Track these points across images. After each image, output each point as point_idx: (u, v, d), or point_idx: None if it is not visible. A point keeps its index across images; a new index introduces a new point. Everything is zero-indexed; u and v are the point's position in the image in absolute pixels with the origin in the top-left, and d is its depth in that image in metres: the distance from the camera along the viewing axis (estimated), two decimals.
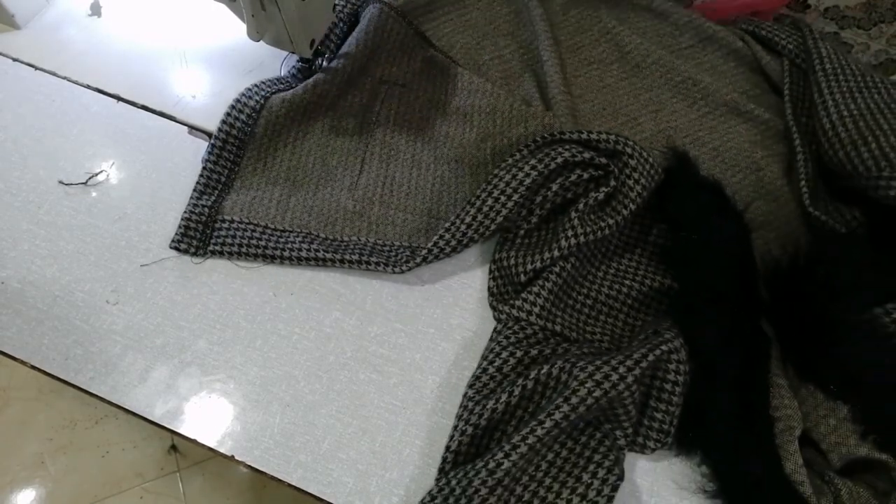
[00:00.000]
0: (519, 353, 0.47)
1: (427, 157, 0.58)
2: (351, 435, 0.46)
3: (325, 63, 0.60)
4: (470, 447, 0.44)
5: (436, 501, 0.42)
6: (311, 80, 0.55)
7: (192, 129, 0.58)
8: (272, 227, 0.53)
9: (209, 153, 0.54)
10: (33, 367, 0.47)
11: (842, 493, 0.43)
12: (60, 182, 0.54)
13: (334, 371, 0.49)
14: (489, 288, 0.52)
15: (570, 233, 0.49)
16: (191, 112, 0.59)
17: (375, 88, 0.60)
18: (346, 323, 0.50)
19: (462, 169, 0.57)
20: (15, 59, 0.60)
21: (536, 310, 0.48)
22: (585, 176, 0.50)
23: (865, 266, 0.47)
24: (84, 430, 1.14)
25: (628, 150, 0.51)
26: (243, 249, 0.51)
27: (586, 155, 0.50)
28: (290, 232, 0.53)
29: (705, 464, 0.46)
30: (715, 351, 0.45)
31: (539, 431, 0.41)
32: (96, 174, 0.55)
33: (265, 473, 0.45)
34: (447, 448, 0.44)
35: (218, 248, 0.51)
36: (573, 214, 0.50)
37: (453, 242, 0.50)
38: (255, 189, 0.54)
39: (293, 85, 0.56)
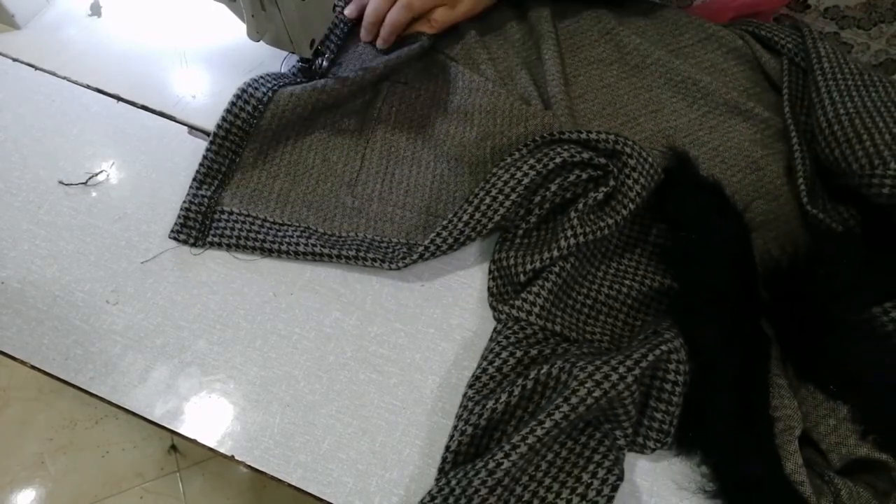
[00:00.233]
0: (519, 353, 0.47)
1: (427, 156, 0.58)
2: (351, 435, 0.46)
3: (325, 63, 0.60)
4: (469, 447, 0.44)
5: (435, 501, 0.42)
6: (321, 82, 0.55)
7: (192, 129, 0.58)
8: (271, 220, 0.53)
9: (211, 142, 0.53)
10: (33, 367, 0.47)
11: (842, 494, 0.43)
12: (60, 182, 0.54)
13: (334, 371, 0.49)
14: (489, 288, 0.52)
15: (569, 233, 0.49)
16: (191, 112, 0.59)
17: (378, 86, 0.60)
18: (346, 323, 0.50)
19: (461, 167, 0.57)
20: (15, 59, 0.60)
21: (536, 310, 0.48)
22: (584, 176, 0.50)
23: (862, 265, 0.47)
24: (84, 430, 1.14)
25: (627, 149, 0.51)
26: (241, 242, 0.51)
27: (585, 155, 0.50)
28: (289, 226, 0.53)
29: (705, 464, 0.46)
30: (715, 351, 0.46)
31: (539, 431, 0.41)
32: (96, 174, 0.55)
33: (265, 473, 0.45)
34: (447, 448, 0.44)
35: (217, 239, 0.51)
36: (573, 214, 0.50)
37: (450, 240, 0.50)
38: (255, 182, 0.55)
39: (299, 81, 0.56)
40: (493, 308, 0.51)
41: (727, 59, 0.65)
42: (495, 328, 0.50)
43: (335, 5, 0.60)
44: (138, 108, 0.59)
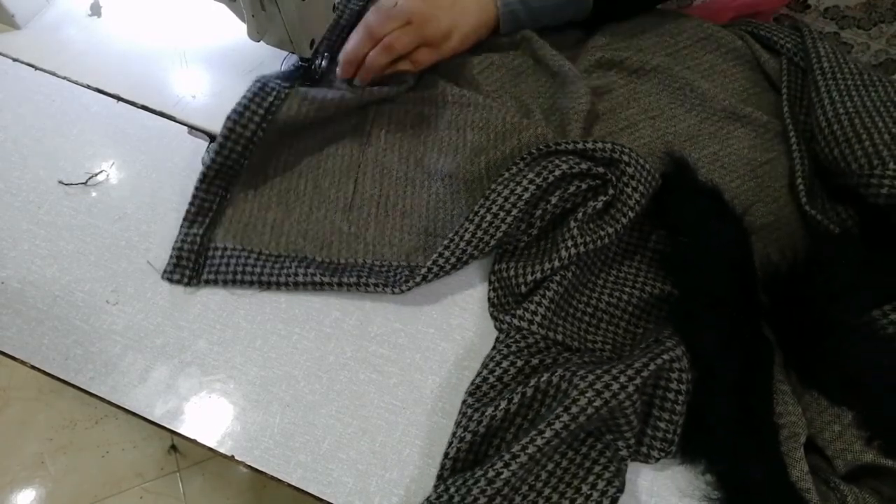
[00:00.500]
0: (519, 363, 0.47)
1: (420, 175, 0.57)
2: (351, 435, 0.47)
3: (325, 63, 0.60)
4: (468, 454, 0.44)
5: None
6: (306, 99, 0.53)
7: (192, 129, 0.58)
8: (266, 252, 0.52)
9: (200, 181, 0.52)
10: (33, 367, 0.47)
11: (848, 500, 0.43)
12: (60, 182, 0.54)
13: (334, 371, 0.49)
14: (489, 299, 0.52)
15: (569, 242, 0.49)
16: (191, 112, 0.59)
17: (365, 109, 0.59)
18: (346, 323, 0.50)
19: (457, 184, 0.56)
20: (15, 59, 0.60)
21: (538, 319, 0.48)
22: (584, 186, 0.50)
23: (861, 267, 0.47)
24: (84, 430, 1.14)
25: (625, 157, 0.50)
26: (238, 277, 0.50)
27: (584, 165, 0.50)
28: (286, 257, 0.52)
29: (709, 471, 0.45)
30: (715, 356, 0.45)
31: (539, 441, 0.41)
32: (96, 174, 0.55)
33: (265, 473, 0.45)
34: (445, 455, 0.44)
35: (212, 276, 0.50)
36: (572, 224, 0.49)
37: (452, 260, 0.49)
38: (247, 215, 0.53)
39: (284, 88, 0.53)
40: (495, 318, 0.51)
41: (726, 59, 0.65)
42: (497, 337, 0.50)
43: (335, 5, 0.60)
44: (138, 108, 0.59)
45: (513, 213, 0.49)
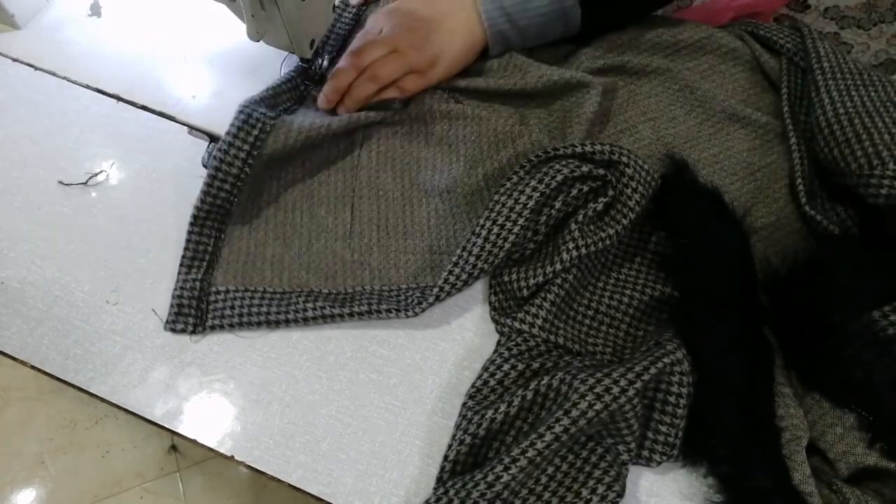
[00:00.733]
0: (520, 366, 0.47)
1: (417, 193, 0.56)
2: (351, 435, 0.47)
3: (325, 63, 0.60)
4: (468, 457, 0.44)
5: None
6: (292, 130, 0.51)
7: (192, 129, 0.58)
8: (271, 290, 0.50)
9: (192, 224, 0.51)
10: (33, 367, 0.47)
11: (850, 502, 0.43)
12: (60, 182, 0.54)
13: (334, 371, 0.49)
14: (491, 303, 0.51)
15: (570, 245, 0.48)
16: (191, 112, 0.59)
17: (353, 134, 0.58)
18: (346, 323, 0.50)
19: (456, 199, 0.55)
20: (15, 59, 0.60)
21: (539, 322, 0.48)
22: (585, 188, 0.50)
23: (861, 268, 0.47)
24: (84, 430, 1.14)
25: (624, 159, 0.50)
26: (244, 319, 0.49)
27: (584, 168, 0.49)
28: (291, 293, 0.50)
29: (711, 475, 0.45)
30: (716, 359, 0.45)
31: (539, 445, 0.41)
32: (96, 174, 0.55)
33: (265, 473, 0.45)
34: (445, 458, 0.44)
35: (217, 322, 0.49)
36: (573, 227, 0.49)
37: (464, 276, 0.48)
38: (244, 253, 0.52)
39: (269, 119, 0.51)
40: (496, 321, 0.51)
41: (725, 60, 0.65)
42: (499, 340, 0.49)
43: (335, 5, 0.60)
44: (138, 108, 0.59)
45: (519, 223, 0.48)
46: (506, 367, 0.47)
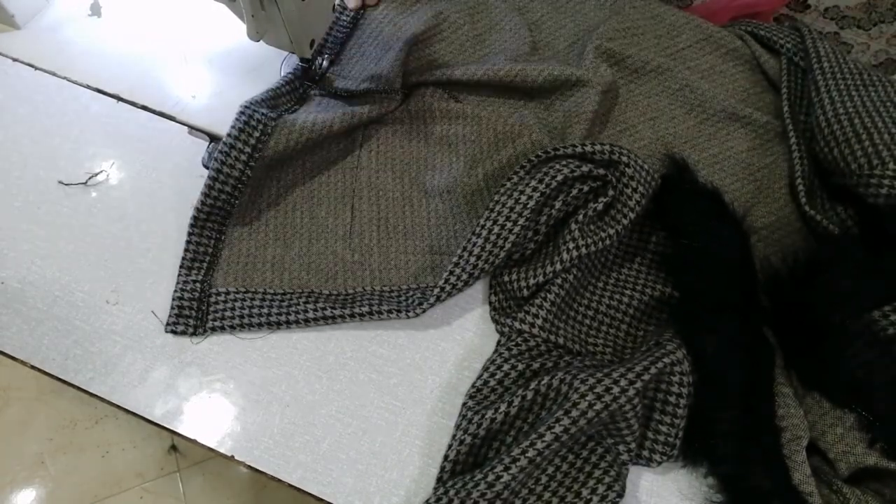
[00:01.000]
0: (520, 367, 0.47)
1: (417, 193, 0.56)
2: (351, 435, 0.46)
3: (325, 63, 0.60)
4: (468, 457, 0.44)
5: None
6: (293, 131, 0.51)
7: (192, 129, 0.58)
8: (271, 291, 0.50)
9: (192, 226, 0.51)
10: (33, 367, 0.47)
11: (850, 502, 0.43)
12: (60, 182, 0.54)
13: (334, 371, 0.49)
14: (491, 303, 0.51)
15: (570, 245, 0.48)
16: (191, 112, 0.59)
17: (352, 131, 0.58)
18: (346, 323, 0.50)
19: (456, 199, 0.55)
20: (15, 59, 0.60)
21: (539, 322, 0.48)
22: (585, 188, 0.50)
23: (860, 268, 0.47)
24: (84, 430, 1.14)
25: (624, 158, 0.50)
26: (245, 321, 0.49)
27: (585, 168, 0.49)
28: (292, 294, 0.50)
29: (712, 475, 0.45)
30: (716, 359, 0.45)
31: (539, 445, 0.41)
32: (96, 174, 0.55)
33: (265, 473, 0.45)
34: (445, 458, 0.44)
35: (218, 323, 0.49)
36: (573, 226, 0.49)
37: (465, 276, 0.48)
38: (244, 255, 0.52)
39: (270, 120, 0.51)
40: (496, 321, 0.51)
41: (725, 60, 0.65)
42: (499, 341, 0.49)
43: (335, 5, 0.60)
44: (138, 108, 0.59)
45: (519, 223, 0.48)
46: (506, 367, 0.47)
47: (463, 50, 0.63)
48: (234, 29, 0.56)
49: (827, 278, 0.47)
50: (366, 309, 0.48)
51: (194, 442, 0.46)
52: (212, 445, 0.46)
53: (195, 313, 0.49)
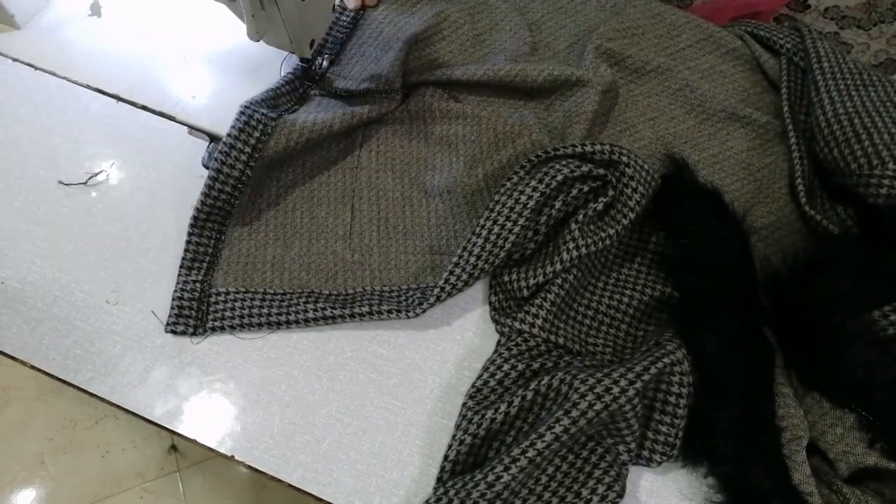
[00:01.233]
0: (521, 367, 0.47)
1: (417, 193, 0.56)
2: (351, 435, 0.46)
3: (325, 63, 0.60)
4: (468, 457, 0.44)
5: None
6: (293, 131, 0.51)
7: (192, 129, 0.58)
8: (271, 291, 0.50)
9: (192, 226, 0.51)
10: (33, 368, 0.47)
11: (850, 502, 0.43)
12: (60, 182, 0.54)
13: (334, 371, 0.49)
14: (491, 303, 0.51)
15: (570, 245, 0.48)
16: (191, 112, 0.59)
17: (352, 131, 0.58)
18: (346, 323, 0.50)
19: (456, 199, 0.55)
20: (15, 59, 0.60)
21: (539, 322, 0.48)
22: (585, 188, 0.50)
23: (860, 268, 0.47)
24: (84, 430, 1.14)
25: (624, 158, 0.50)
26: (245, 321, 0.49)
27: (585, 168, 0.49)
28: (292, 294, 0.50)
29: (712, 475, 0.45)
30: (716, 359, 0.45)
31: (539, 445, 0.41)
32: (96, 174, 0.55)
33: (265, 473, 0.45)
34: (445, 458, 0.44)
35: (217, 323, 0.49)
36: (573, 226, 0.49)
37: (465, 276, 0.48)
38: (244, 255, 0.52)
39: (270, 120, 0.51)
40: (496, 321, 0.51)
41: (725, 60, 0.65)
42: (499, 341, 0.49)
43: (335, 5, 0.60)
44: (138, 108, 0.59)
45: (519, 223, 0.48)
46: (506, 367, 0.47)
47: (463, 50, 0.63)
48: (234, 29, 0.56)
49: (827, 278, 0.47)
50: (366, 309, 0.48)
51: (194, 442, 0.46)
52: (212, 445, 0.46)
53: (195, 313, 0.49)
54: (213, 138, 0.58)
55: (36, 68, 0.60)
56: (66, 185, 0.54)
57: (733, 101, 0.61)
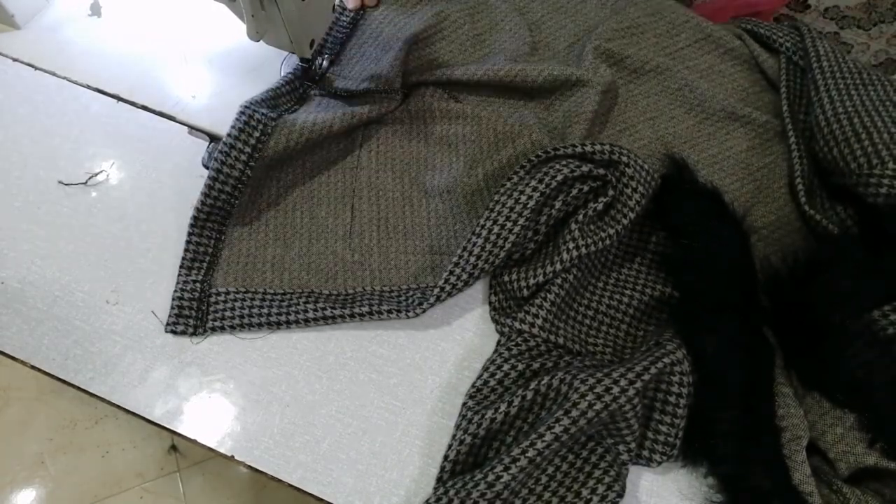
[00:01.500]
0: (520, 367, 0.47)
1: (417, 193, 0.56)
2: (351, 435, 0.46)
3: (325, 63, 0.60)
4: (468, 456, 0.44)
5: None
6: (293, 131, 0.51)
7: (192, 129, 0.58)
8: (271, 291, 0.50)
9: (192, 226, 0.51)
10: (33, 367, 0.47)
11: (850, 502, 0.43)
12: (60, 182, 0.54)
13: (334, 371, 0.49)
14: (491, 303, 0.51)
15: (570, 245, 0.48)
16: (191, 112, 0.59)
17: (352, 131, 0.58)
18: (346, 323, 0.50)
19: (456, 199, 0.55)
20: (15, 59, 0.60)
21: (539, 322, 0.48)
22: (585, 188, 0.50)
23: (860, 268, 0.47)
24: (84, 430, 1.14)
25: (624, 158, 0.50)
26: (245, 321, 0.49)
27: (584, 168, 0.49)
28: (292, 294, 0.50)
29: (712, 475, 0.45)
30: (716, 359, 0.45)
31: (539, 445, 0.41)
32: (96, 174, 0.55)
33: (265, 473, 0.45)
34: (445, 458, 0.44)
35: (217, 323, 0.49)
36: (573, 226, 0.49)
37: (465, 276, 0.48)
38: (244, 255, 0.52)
39: (270, 120, 0.51)
40: (496, 321, 0.51)
41: (724, 59, 0.65)
42: (499, 341, 0.49)
43: (335, 5, 0.60)
44: (138, 108, 0.59)
45: (519, 223, 0.48)
46: (506, 367, 0.47)
47: (463, 50, 0.63)
48: (234, 29, 0.56)
49: (827, 278, 0.47)
50: (366, 309, 0.48)
51: (194, 442, 0.46)
52: (212, 445, 0.46)
53: (195, 313, 0.49)
54: (213, 138, 0.58)
55: (36, 68, 0.60)
56: (66, 185, 0.54)
57: (733, 101, 0.61)
